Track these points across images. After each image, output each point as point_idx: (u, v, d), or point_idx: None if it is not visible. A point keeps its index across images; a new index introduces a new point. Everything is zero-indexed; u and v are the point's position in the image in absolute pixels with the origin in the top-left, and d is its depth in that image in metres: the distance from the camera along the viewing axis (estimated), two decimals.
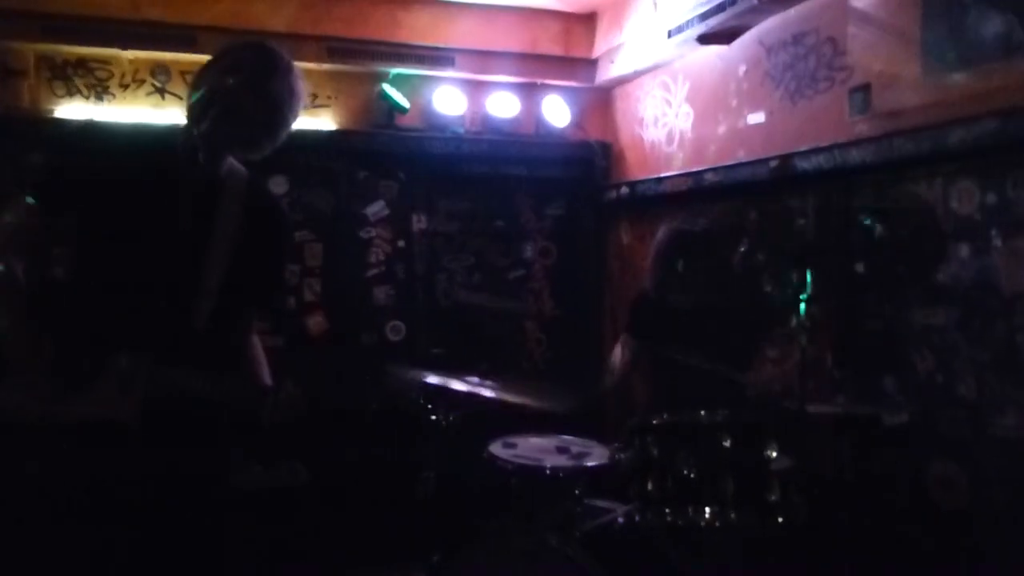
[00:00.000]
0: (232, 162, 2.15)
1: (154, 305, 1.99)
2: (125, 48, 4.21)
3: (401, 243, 4.78)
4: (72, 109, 4.24)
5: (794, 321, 2.42)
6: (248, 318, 2.28)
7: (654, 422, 2.55)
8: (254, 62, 2.03)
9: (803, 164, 3.33)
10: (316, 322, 4.63)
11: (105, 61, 4.29)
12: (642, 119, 4.70)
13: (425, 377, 2.58)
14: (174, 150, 2.06)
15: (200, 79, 2.06)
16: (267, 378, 2.29)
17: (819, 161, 3.24)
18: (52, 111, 4.23)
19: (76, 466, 1.93)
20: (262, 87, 2.00)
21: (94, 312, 1.99)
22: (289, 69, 2.06)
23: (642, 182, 4.57)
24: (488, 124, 4.82)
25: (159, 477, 1.97)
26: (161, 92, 4.36)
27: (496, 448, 3.07)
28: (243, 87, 1.99)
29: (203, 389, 2.01)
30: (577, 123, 4.96)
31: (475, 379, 2.71)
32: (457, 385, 2.64)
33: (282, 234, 2.41)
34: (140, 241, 1.99)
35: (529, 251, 5.04)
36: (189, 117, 2.05)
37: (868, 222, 3.08)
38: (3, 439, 1.93)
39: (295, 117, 2.09)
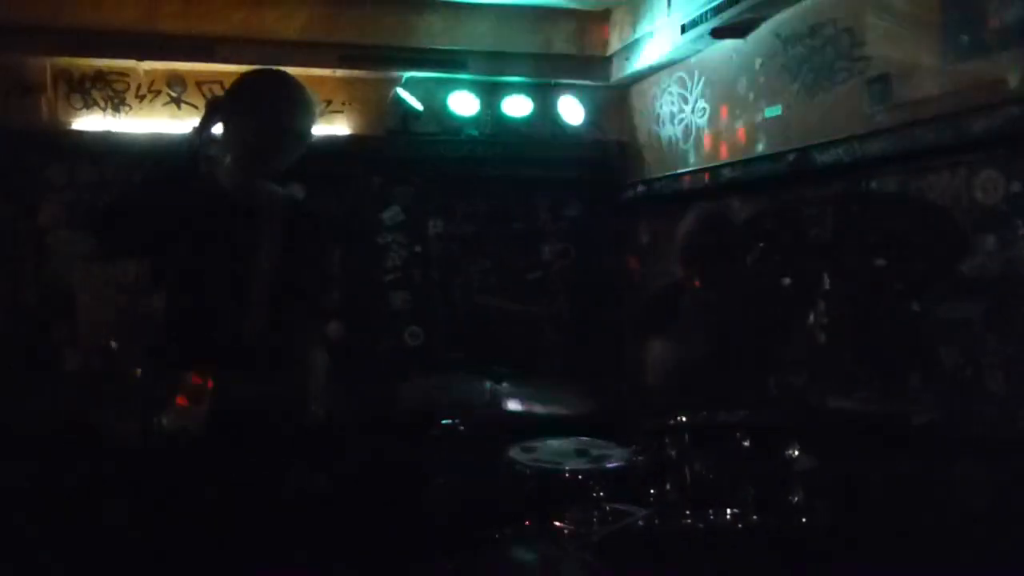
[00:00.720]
0: (269, 185, 2.29)
1: (209, 321, 2.14)
2: (142, 59, 4.25)
3: (418, 248, 4.77)
4: (90, 121, 4.29)
5: (812, 318, 2.37)
6: (304, 327, 2.37)
7: (671, 423, 2.50)
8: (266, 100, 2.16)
9: (822, 157, 3.27)
10: (333, 328, 4.62)
11: (122, 73, 4.33)
12: (659, 116, 4.65)
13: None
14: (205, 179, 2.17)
15: (218, 111, 2.17)
16: (317, 387, 2.37)
17: (838, 153, 3.18)
18: (70, 124, 4.27)
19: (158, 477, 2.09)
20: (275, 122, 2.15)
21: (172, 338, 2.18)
22: (299, 101, 2.18)
23: (659, 179, 4.52)
24: (503, 126, 4.79)
25: (222, 483, 2.08)
26: (177, 102, 4.39)
27: (515, 452, 3.04)
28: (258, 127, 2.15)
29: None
30: (593, 122, 4.92)
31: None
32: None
33: (320, 244, 2.55)
34: (200, 272, 2.15)
35: (547, 252, 5.00)
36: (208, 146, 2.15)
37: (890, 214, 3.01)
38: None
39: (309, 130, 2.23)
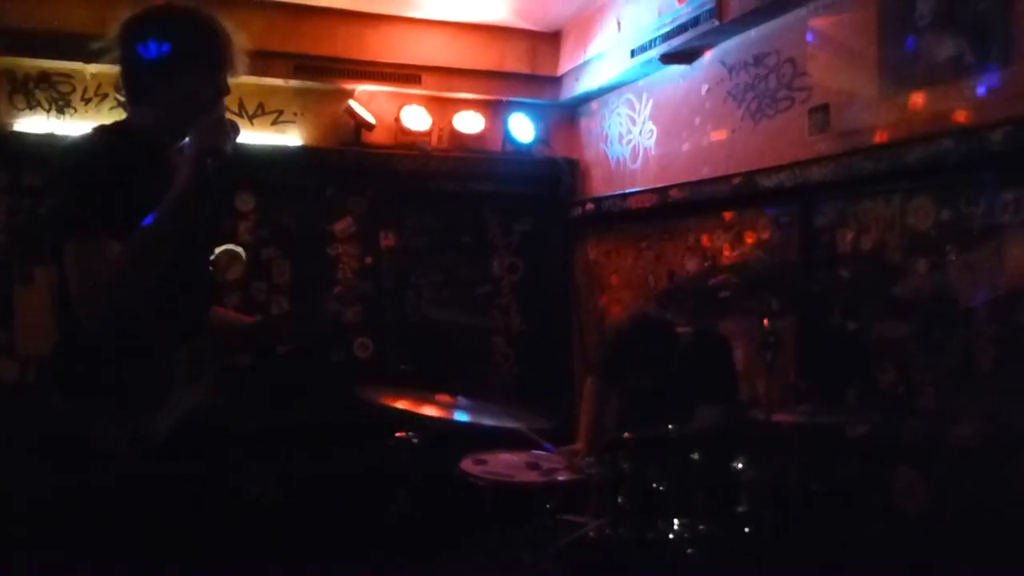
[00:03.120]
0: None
1: (184, 297, 1.96)
2: (89, 62, 4.16)
3: (369, 259, 4.77)
4: (32, 123, 4.18)
5: (760, 335, 2.48)
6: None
7: (624, 436, 2.58)
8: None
9: (765, 182, 3.41)
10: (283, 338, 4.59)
11: (67, 75, 4.24)
12: (607, 136, 4.77)
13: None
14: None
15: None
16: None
17: (780, 179, 3.32)
18: (12, 126, 4.16)
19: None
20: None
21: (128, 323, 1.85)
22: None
23: (608, 198, 4.63)
24: (455, 141, 4.85)
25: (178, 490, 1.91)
26: (124, 106, 4.28)
27: (467, 464, 3.08)
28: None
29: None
30: (543, 140, 5.02)
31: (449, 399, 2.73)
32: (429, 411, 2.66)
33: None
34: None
35: (496, 267, 5.06)
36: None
37: (828, 238, 3.16)
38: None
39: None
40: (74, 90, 4.26)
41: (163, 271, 1.77)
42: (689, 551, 2.43)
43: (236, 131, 1.92)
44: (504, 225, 5.08)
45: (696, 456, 2.49)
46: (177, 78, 1.93)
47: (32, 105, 4.21)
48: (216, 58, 1.99)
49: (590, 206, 4.77)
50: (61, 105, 4.25)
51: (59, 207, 1.93)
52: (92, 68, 4.22)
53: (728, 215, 3.76)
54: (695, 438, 2.54)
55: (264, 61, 4.28)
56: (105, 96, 4.30)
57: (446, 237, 4.94)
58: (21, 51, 4.06)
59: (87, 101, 4.28)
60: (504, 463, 3.17)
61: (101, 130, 1.96)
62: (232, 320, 2.30)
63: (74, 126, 4.23)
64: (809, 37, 3.28)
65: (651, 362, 3.06)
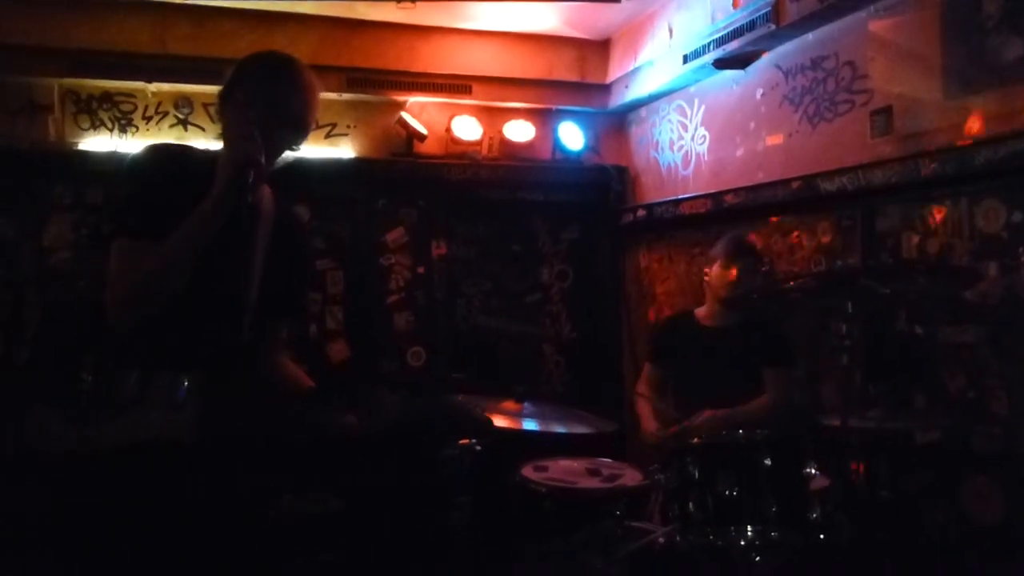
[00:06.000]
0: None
1: (203, 322, 1.95)
2: (150, 81, 4.28)
3: (421, 269, 4.82)
4: (96, 142, 4.30)
5: (830, 341, 2.46)
6: (281, 331, 2.26)
7: (694, 442, 2.58)
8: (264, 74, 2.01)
9: (826, 185, 3.38)
10: (337, 349, 4.66)
11: (129, 94, 4.36)
12: (657, 143, 4.77)
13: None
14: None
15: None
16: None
17: (842, 182, 3.29)
18: (76, 144, 4.28)
19: (121, 490, 1.87)
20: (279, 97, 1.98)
21: (140, 331, 1.91)
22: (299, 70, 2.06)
23: (659, 204, 4.63)
24: (505, 150, 4.88)
25: (210, 499, 1.91)
26: (184, 124, 4.42)
27: (528, 471, 3.09)
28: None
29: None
30: (593, 148, 5.03)
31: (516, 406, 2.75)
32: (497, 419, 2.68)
33: (306, 247, 2.48)
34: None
35: (546, 275, 5.08)
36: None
37: (893, 242, 3.12)
38: (36, 468, 1.93)
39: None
40: (136, 109, 4.37)
41: (188, 278, 1.84)
42: (760, 559, 2.41)
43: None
44: (553, 233, 5.10)
45: (767, 462, 2.47)
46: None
47: (96, 124, 4.33)
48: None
49: (641, 213, 4.77)
50: (123, 124, 4.36)
51: (108, 211, 2.05)
52: (153, 87, 4.34)
53: (787, 219, 3.73)
54: (765, 444, 2.52)
55: (318, 75, 4.31)
56: (165, 114, 4.41)
57: (496, 246, 4.98)
58: (85, 72, 4.18)
59: (148, 119, 4.39)
60: (564, 469, 3.17)
61: (152, 146, 2.04)
62: (298, 380, 2.26)
63: (136, 144, 4.34)
64: (869, 39, 3.24)
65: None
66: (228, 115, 1.99)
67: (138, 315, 1.86)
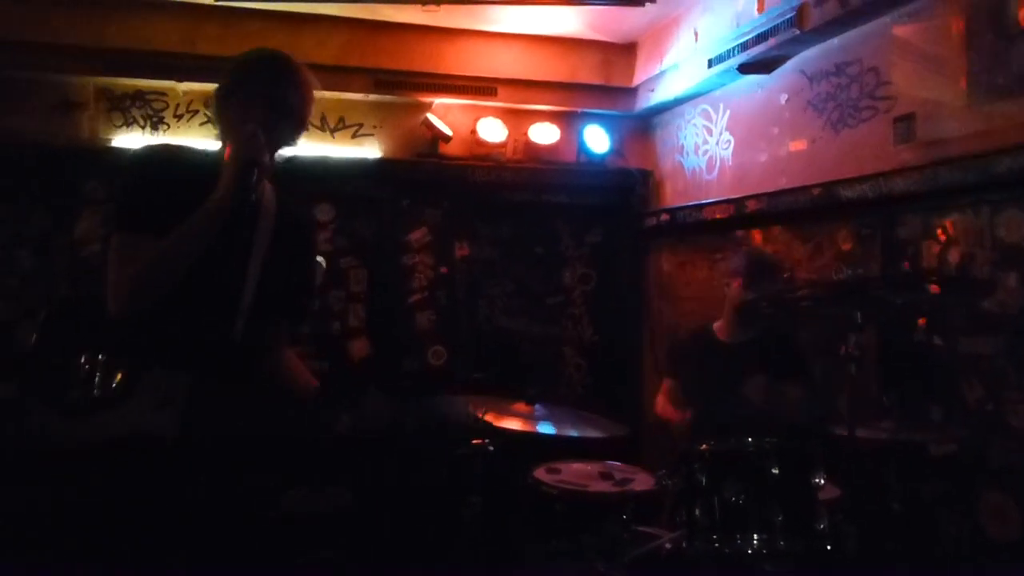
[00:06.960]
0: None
1: (194, 319, 1.96)
2: (181, 80, 4.37)
3: (443, 269, 4.85)
4: (129, 139, 4.40)
5: (843, 349, 2.43)
6: (282, 330, 2.24)
7: (702, 448, 2.56)
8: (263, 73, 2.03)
9: (847, 192, 3.34)
10: (359, 347, 4.71)
11: (161, 93, 4.46)
12: (682, 147, 4.75)
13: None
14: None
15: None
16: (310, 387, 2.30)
17: (863, 189, 3.26)
18: (109, 141, 4.39)
19: (108, 485, 1.89)
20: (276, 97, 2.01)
21: (130, 326, 1.93)
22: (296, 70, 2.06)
23: (682, 209, 4.61)
24: (530, 152, 4.89)
25: (199, 496, 1.92)
26: (212, 122, 4.49)
27: (540, 473, 3.10)
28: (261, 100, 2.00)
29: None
30: (617, 151, 5.02)
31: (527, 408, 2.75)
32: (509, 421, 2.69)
33: (311, 245, 2.39)
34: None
35: (568, 277, 5.08)
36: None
37: (913, 250, 3.08)
38: (24, 461, 1.97)
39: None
40: (167, 107, 4.47)
41: (187, 273, 1.86)
42: (766, 567, 2.39)
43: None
44: (576, 235, 5.10)
45: (775, 470, 2.45)
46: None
47: (128, 122, 4.43)
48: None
49: (665, 217, 4.75)
50: (155, 121, 4.46)
51: (111, 204, 2.06)
52: (184, 86, 4.44)
53: (807, 226, 3.69)
54: (774, 452, 2.50)
55: (344, 76, 4.42)
56: (196, 112, 4.50)
57: (519, 247, 4.99)
58: (118, 71, 4.29)
59: (179, 117, 4.49)
60: (577, 472, 3.18)
61: (151, 145, 2.10)
62: (300, 379, 2.28)
63: (168, 141, 4.43)
64: (893, 46, 3.20)
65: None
66: (229, 114, 2.02)
67: (136, 306, 1.88)
